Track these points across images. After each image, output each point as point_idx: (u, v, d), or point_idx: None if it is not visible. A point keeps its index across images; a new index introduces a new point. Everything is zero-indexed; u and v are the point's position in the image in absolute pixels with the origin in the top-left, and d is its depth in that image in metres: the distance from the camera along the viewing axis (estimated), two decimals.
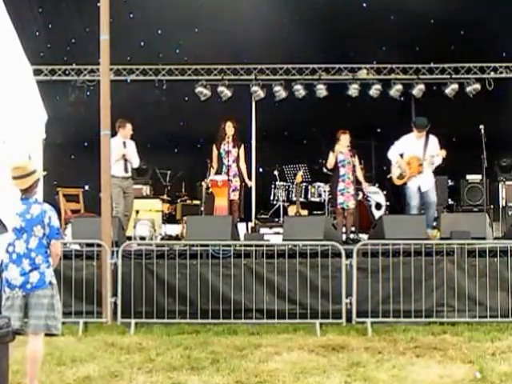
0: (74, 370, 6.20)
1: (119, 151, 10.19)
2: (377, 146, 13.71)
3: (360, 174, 10.97)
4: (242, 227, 11.43)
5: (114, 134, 9.48)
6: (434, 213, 10.05)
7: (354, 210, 10.86)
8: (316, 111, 12.72)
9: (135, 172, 11.34)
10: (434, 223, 9.88)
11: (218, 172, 10.69)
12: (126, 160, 10.39)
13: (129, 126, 10.49)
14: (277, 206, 12.49)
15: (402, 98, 12.90)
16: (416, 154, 10.05)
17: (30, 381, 5.42)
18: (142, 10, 11.42)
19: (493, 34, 11.51)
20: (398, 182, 10.23)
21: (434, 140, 10.11)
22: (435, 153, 10.02)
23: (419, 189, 10.04)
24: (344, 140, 10.72)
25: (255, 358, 6.59)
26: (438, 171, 13.22)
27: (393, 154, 10.22)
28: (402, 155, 10.18)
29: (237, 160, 10.79)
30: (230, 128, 10.73)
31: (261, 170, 13.11)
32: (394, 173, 10.23)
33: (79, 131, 12.85)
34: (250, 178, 11.48)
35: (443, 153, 9.97)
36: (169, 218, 12.55)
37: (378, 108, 12.61)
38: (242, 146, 10.92)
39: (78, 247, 8.64)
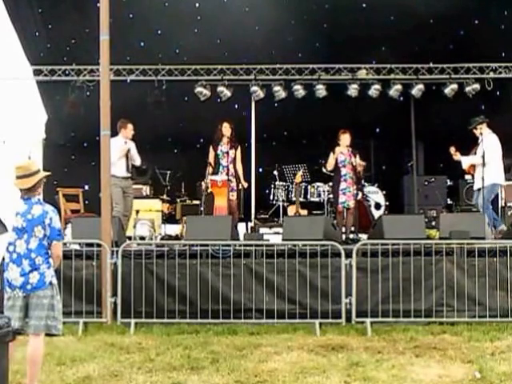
0: (74, 369, 6.21)
1: (122, 147, 10.19)
2: (376, 146, 13.74)
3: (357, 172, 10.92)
4: (241, 227, 11.44)
5: (114, 134, 9.48)
6: (488, 214, 9.67)
7: (354, 210, 10.88)
8: (315, 111, 12.72)
9: (135, 172, 11.35)
10: (493, 222, 9.75)
11: (216, 173, 10.69)
12: (127, 159, 10.39)
13: (130, 127, 10.50)
14: (276, 205, 12.48)
15: (402, 98, 12.90)
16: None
17: (29, 381, 5.42)
18: (142, 10, 11.43)
19: (492, 34, 11.53)
20: None
21: (485, 142, 9.94)
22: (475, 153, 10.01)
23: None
24: (344, 140, 10.73)
25: (255, 357, 6.61)
26: (437, 171, 13.22)
27: None
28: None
29: (233, 161, 10.78)
30: (226, 129, 10.73)
31: (260, 170, 13.12)
32: None
33: (79, 131, 12.89)
34: (246, 179, 11.40)
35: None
36: (168, 218, 12.55)
37: (378, 108, 12.61)
38: (239, 148, 10.91)
39: (77, 247, 8.64)
